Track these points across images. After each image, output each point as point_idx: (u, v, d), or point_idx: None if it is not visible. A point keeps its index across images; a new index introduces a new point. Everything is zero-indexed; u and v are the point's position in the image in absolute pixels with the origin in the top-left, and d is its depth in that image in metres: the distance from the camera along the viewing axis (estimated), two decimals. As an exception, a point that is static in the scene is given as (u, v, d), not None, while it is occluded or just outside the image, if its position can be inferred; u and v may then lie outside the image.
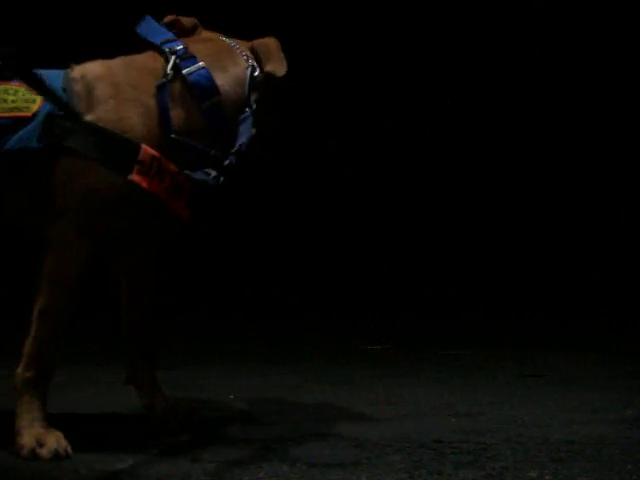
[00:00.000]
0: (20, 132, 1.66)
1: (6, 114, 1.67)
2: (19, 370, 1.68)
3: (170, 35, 1.80)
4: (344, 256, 6.30)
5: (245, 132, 1.73)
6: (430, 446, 1.78)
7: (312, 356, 3.47)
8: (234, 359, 3.38)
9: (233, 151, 1.71)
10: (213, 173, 1.70)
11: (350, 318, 5.21)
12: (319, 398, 2.42)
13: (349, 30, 5.96)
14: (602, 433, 1.90)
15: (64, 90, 1.68)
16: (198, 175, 1.68)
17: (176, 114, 1.71)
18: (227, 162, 1.69)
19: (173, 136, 1.69)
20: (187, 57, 1.74)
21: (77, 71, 1.73)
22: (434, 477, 1.53)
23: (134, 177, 1.65)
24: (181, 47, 1.76)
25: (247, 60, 1.81)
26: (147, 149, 1.65)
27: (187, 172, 1.69)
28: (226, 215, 5.24)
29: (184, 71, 1.72)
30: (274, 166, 6.06)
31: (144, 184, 1.65)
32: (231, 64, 1.80)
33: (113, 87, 1.70)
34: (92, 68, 1.74)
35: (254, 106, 1.76)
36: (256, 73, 1.79)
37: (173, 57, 1.74)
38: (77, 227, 1.67)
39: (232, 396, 2.46)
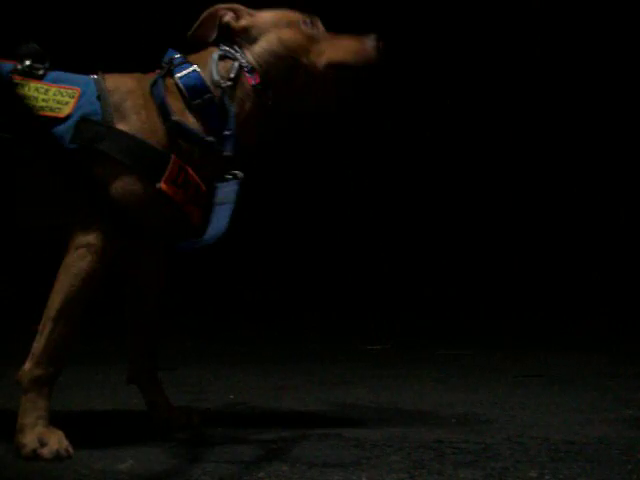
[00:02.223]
0: (52, 131, 1.69)
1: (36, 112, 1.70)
2: (27, 367, 1.68)
3: (174, 53, 1.87)
4: (344, 256, 6.30)
5: (230, 122, 1.77)
6: (430, 446, 1.78)
7: (312, 356, 3.48)
8: (234, 359, 3.38)
9: (226, 135, 1.76)
10: (239, 174, 1.77)
11: (350, 318, 5.21)
12: (319, 398, 2.42)
13: (350, 31, 5.95)
14: (602, 433, 1.90)
15: (98, 98, 1.73)
16: (230, 186, 1.75)
17: (172, 103, 1.77)
18: (226, 151, 1.74)
19: (174, 118, 1.74)
20: (181, 64, 1.82)
21: (110, 81, 1.78)
22: (434, 477, 1.53)
23: (162, 186, 1.69)
24: (178, 56, 1.84)
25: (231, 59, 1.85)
26: (176, 160, 1.71)
27: (218, 184, 1.77)
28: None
29: (177, 74, 1.80)
30: (274, 167, 6.07)
31: (170, 193, 1.70)
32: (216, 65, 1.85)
33: (141, 99, 1.77)
34: (123, 81, 1.80)
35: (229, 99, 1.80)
36: (234, 72, 1.81)
37: (167, 65, 1.83)
38: (101, 226, 1.69)
39: (232, 396, 2.47)
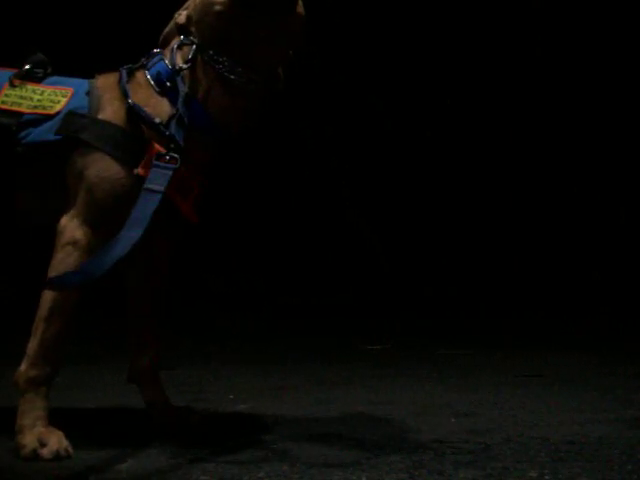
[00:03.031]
0: (41, 127, 1.77)
1: (30, 110, 1.79)
2: (22, 368, 1.68)
3: (155, 51, 1.91)
4: (344, 256, 6.30)
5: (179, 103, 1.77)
6: (430, 446, 1.78)
7: (312, 356, 3.47)
8: (234, 359, 3.38)
9: (172, 120, 1.75)
10: (175, 156, 1.73)
11: (350, 318, 5.21)
12: (319, 398, 2.42)
13: (350, 29, 5.95)
14: (602, 433, 1.90)
15: (87, 94, 1.81)
16: (163, 170, 1.70)
17: (138, 92, 1.80)
18: (167, 132, 1.73)
19: (130, 101, 1.76)
20: (154, 56, 1.86)
21: (100, 80, 1.86)
22: (434, 477, 1.53)
23: (139, 171, 1.70)
24: (155, 51, 1.89)
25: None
26: (156, 146, 1.72)
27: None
28: (227, 215, 5.25)
29: (148, 65, 1.85)
30: (275, 165, 6.07)
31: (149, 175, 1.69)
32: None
33: (117, 92, 1.82)
34: (108, 77, 1.87)
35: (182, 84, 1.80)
36: (191, 54, 1.81)
37: (143, 59, 1.88)
38: (84, 220, 1.71)
39: (232, 396, 2.47)
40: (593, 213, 6.17)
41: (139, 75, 1.83)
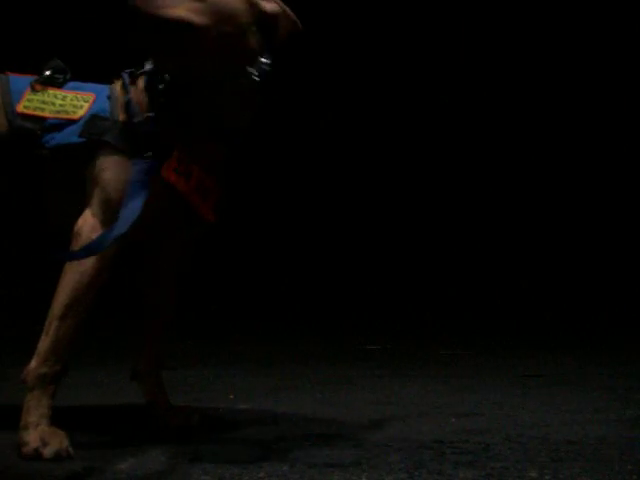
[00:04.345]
0: (64, 131, 1.80)
1: (53, 115, 1.83)
2: (33, 365, 1.68)
3: None
4: (345, 256, 6.31)
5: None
6: (430, 446, 1.78)
7: (312, 356, 3.48)
8: (234, 359, 3.38)
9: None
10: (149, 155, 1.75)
11: (350, 318, 5.21)
12: (319, 398, 2.42)
13: (350, 29, 5.96)
14: (602, 433, 1.90)
15: (108, 98, 1.84)
16: (141, 164, 1.72)
17: (134, 97, 1.82)
18: (143, 129, 1.76)
19: (130, 96, 1.80)
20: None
21: (119, 84, 1.88)
22: (434, 477, 1.53)
23: (161, 172, 1.72)
24: None
25: None
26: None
27: None
28: (227, 214, 5.25)
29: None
30: (275, 165, 6.07)
31: (172, 178, 1.74)
32: None
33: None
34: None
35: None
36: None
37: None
38: (101, 222, 1.72)
39: (232, 396, 2.47)
40: (593, 215, 6.18)
41: (139, 81, 1.84)
